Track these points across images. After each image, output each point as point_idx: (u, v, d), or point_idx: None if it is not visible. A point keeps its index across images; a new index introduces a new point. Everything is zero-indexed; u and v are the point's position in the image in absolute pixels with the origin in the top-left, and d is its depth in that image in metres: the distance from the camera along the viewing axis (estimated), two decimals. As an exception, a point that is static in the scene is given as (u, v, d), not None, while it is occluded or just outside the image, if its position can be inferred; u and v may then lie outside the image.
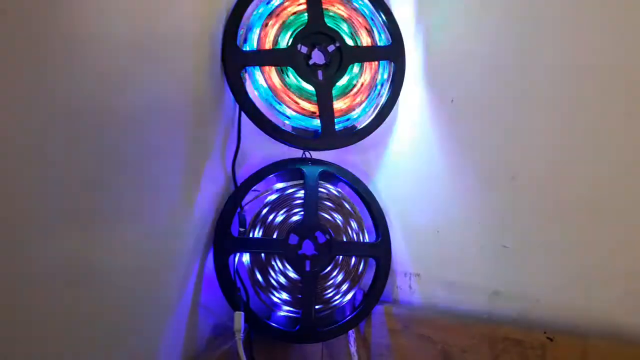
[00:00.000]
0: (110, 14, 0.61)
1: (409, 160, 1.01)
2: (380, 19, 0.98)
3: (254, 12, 0.90)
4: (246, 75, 0.90)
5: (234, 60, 0.87)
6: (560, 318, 0.84)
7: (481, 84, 0.92)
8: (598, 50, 0.81)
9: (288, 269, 0.91)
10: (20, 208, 0.50)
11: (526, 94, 0.87)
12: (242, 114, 0.90)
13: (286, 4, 0.92)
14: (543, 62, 0.86)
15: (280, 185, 0.96)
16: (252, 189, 0.91)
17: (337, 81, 0.93)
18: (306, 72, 0.91)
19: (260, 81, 0.90)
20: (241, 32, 0.88)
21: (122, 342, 0.67)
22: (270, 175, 0.93)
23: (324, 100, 0.92)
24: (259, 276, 0.90)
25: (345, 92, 0.95)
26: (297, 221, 0.92)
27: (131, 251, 0.67)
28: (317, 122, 0.93)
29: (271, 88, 0.90)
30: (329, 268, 0.94)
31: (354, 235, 0.97)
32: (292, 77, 0.91)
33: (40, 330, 0.53)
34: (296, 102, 0.92)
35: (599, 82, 0.81)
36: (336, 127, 0.93)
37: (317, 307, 0.92)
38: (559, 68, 0.84)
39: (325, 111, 0.92)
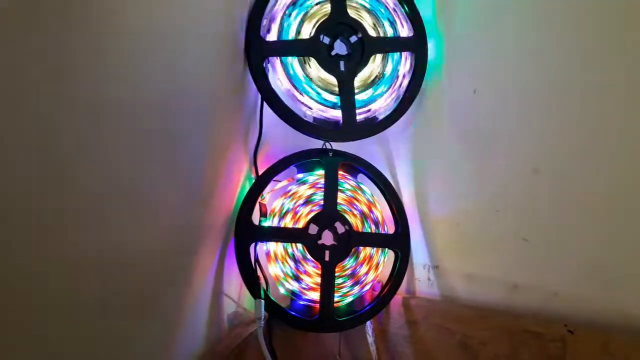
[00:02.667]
0: (137, 7, 0.61)
1: (429, 152, 1.00)
2: (403, 10, 0.98)
3: (277, 3, 0.91)
4: (269, 66, 0.90)
5: (257, 50, 0.87)
6: (580, 311, 0.83)
7: (504, 75, 0.91)
8: (625, 41, 0.80)
9: (308, 259, 0.92)
10: (46, 192, 0.51)
11: (550, 85, 0.87)
12: (264, 104, 0.91)
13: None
14: (565, 54, 0.85)
15: (300, 175, 0.96)
16: (273, 178, 0.92)
17: (359, 72, 0.93)
18: (328, 62, 0.91)
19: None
20: (264, 22, 0.89)
21: (144, 327, 0.68)
22: (291, 166, 0.94)
23: (346, 91, 0.92)
24: (279, 265, 0.91)
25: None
26: (317, 211, 0.93)
27: (154, 237, 0.68)
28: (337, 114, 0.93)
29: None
30: (348, 258, 0.94)
31: (374, 227, 0.97)
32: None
33: (66, 315, 0.54)
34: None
35: (627, 75, 0.80)
36: (357, 118, 0.93)
37: (335, 297, 0.92)
38: (582, 61, 0.84)
39: (347, 102, 0.92)
